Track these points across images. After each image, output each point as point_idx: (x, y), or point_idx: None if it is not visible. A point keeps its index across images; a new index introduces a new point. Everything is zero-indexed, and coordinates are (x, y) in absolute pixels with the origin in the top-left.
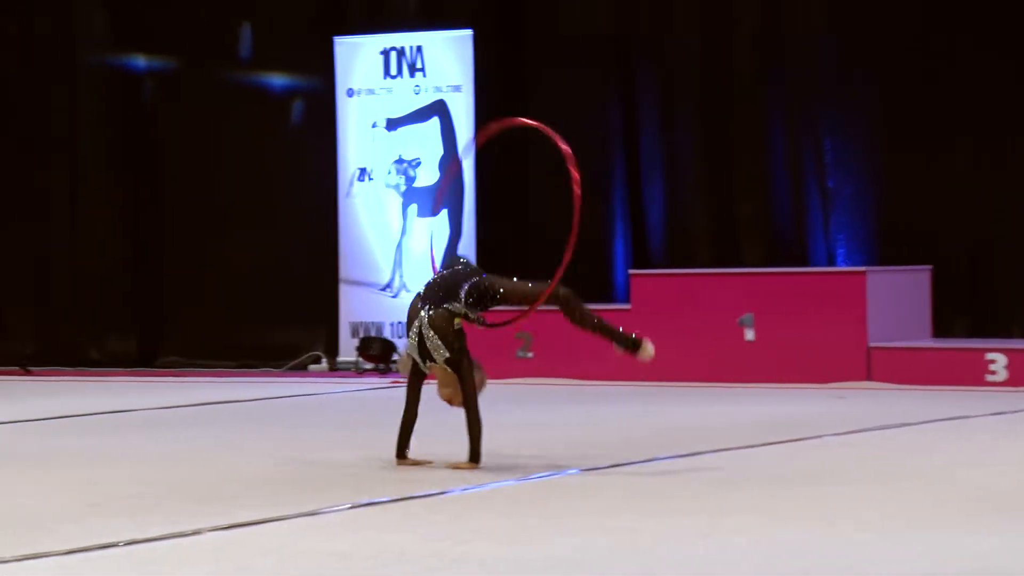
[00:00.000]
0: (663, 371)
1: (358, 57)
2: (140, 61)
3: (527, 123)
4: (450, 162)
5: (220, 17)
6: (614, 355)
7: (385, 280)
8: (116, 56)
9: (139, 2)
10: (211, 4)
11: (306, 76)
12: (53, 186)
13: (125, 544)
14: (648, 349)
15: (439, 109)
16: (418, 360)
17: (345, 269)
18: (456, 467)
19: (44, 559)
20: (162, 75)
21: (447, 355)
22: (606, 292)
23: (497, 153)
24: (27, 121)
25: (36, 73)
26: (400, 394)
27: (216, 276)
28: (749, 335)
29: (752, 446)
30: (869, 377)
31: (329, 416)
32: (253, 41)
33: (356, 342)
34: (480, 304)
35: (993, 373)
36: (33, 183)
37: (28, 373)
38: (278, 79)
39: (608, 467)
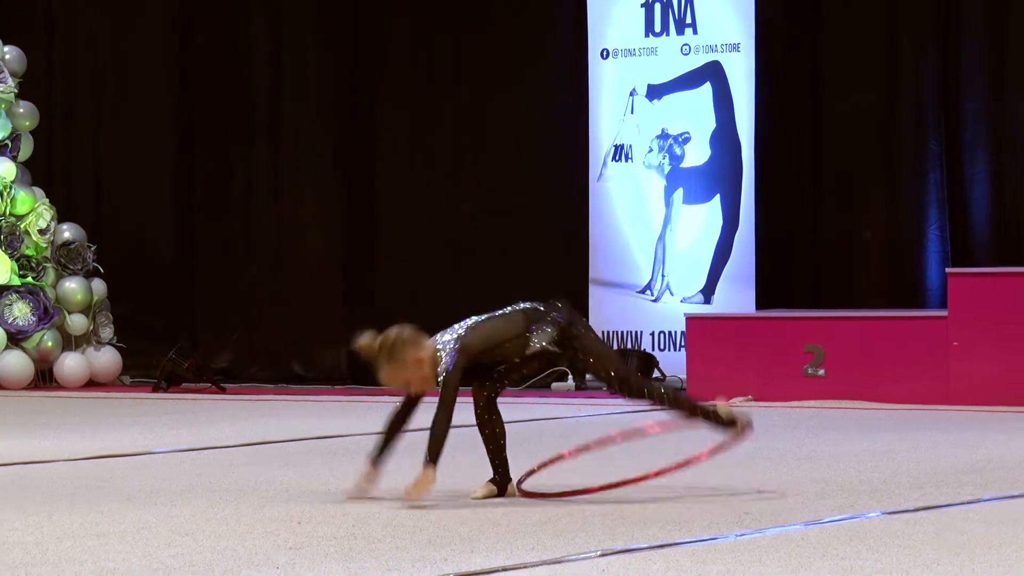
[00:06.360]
0: (985, 393)
1: (614, 11)
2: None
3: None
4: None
5: None
6: (927, 375)
7: (644, 281)
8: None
9: None
10: None
11: (552, 34)
12: (257, 180)
13: None
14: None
15: (712, 73)
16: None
17: (596, 268)
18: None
19: None
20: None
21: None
22: (917, 296)
23: (781, 129)
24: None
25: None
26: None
27: (440, 277)
28: None
29: None
30: None
31: (573, 443)
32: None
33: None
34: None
35: None
36: (237, 174)
37: (222, 391)
38: (520, 39)
39: (918, 510)
